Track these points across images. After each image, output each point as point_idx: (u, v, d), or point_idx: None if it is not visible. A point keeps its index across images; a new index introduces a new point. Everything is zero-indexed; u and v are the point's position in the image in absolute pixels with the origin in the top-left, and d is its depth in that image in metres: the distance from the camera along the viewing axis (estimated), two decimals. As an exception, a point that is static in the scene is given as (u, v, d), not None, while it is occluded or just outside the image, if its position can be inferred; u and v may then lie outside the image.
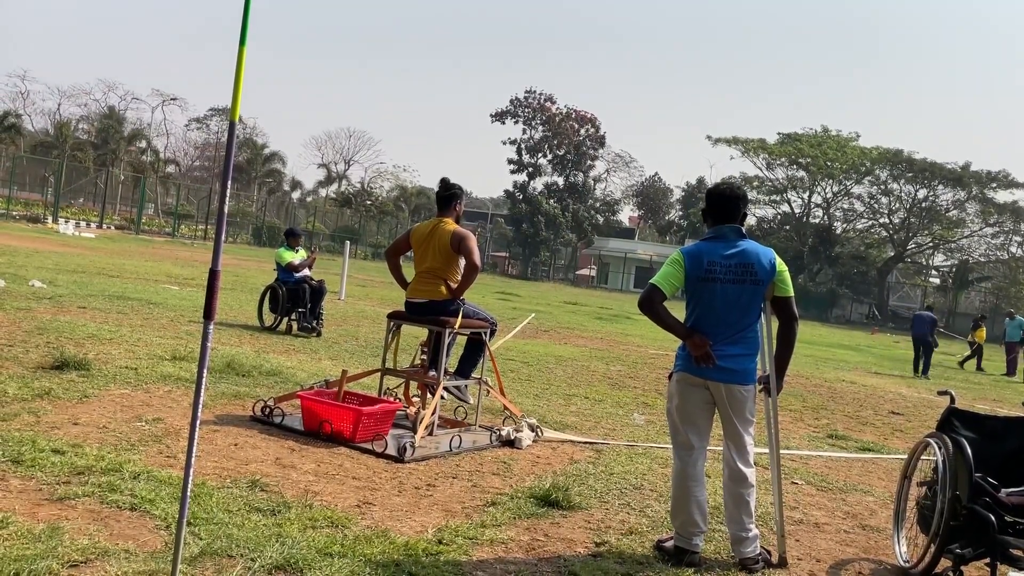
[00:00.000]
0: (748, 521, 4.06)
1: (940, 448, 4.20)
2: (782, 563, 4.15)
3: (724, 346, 4.05)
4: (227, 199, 2.92)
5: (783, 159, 59.61)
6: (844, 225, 62.15)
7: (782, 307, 4.17)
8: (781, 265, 4.15)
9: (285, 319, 11.14)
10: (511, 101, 62.00)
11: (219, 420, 5.66)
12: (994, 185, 55.32)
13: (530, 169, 62.11)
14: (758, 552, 4.09)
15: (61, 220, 38.09)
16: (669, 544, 4.12)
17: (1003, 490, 4.06)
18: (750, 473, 4.09)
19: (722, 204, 4.17)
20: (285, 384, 7.09)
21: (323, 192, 73.14)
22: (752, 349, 4.13)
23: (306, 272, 11.48)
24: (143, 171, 53.67)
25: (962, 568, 3.92)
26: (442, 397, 6.06)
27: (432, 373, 6.17)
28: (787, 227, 61.55)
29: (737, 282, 4.05)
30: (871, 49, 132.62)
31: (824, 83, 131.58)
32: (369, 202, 66.25)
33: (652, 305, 4.04)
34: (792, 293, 4.18)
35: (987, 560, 3.86)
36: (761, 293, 4.11)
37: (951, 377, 18.50)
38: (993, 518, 3.81)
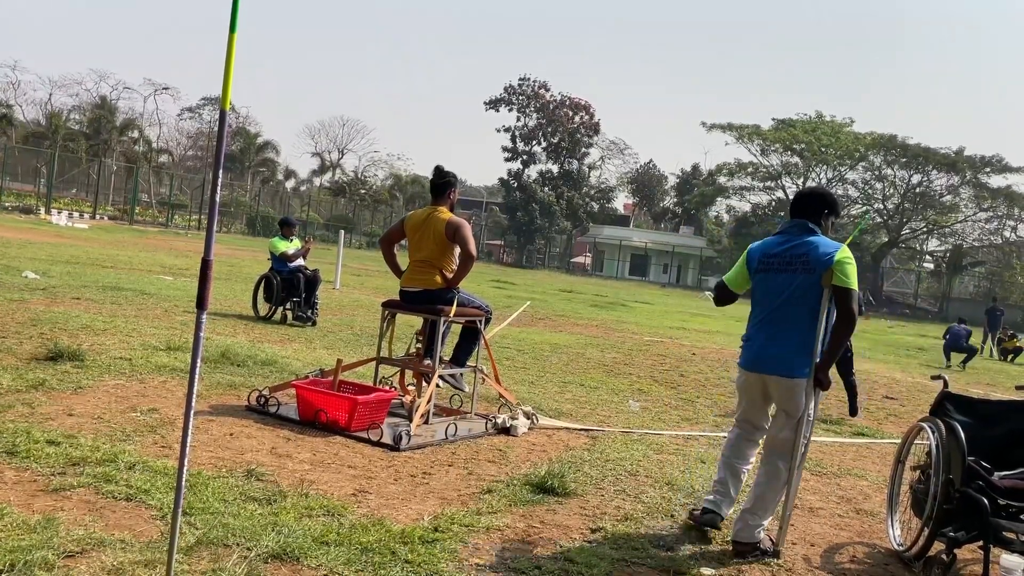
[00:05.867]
0: (759, 508, 4.09)
1: (934, 432, 4.22)
2: (775, 555, 4.16)
3: (773, 336, 4.07)
4: (219, 188, 2.90)
5: (777, 145, 59.44)
6: (839, 211, 62.11)
7: (838, 299, 3.98)
8: (842, 255, 3.95)
9: (280, 309, 11.13)
10: (505, 88, 61.82)
11: (214, 410, 5.65)
12: (988, 170, 55.25)
13: (524, 157, 61.93)
14: (756, 539, 4.11)
15: (54, 211, 37.91)
16: (699, 511, 4.30)
17: (996, 473, 4.09)
18: (782, 466, 4.11)
19: (798, 200, 4.32)
20: (280, 374, 7.09)
21: (317, 181, 73.05)
22: (804, 341, 4.00)
23: (300, 261, 11.47)
24: (136, 161, 53.42)
25: (955, 551, 3.95)
26: (437, 385, 6.07)
27: (427, 362, 6.17)
28: (781, 213, 61.53)
29: (787, 270, 4.05)
30: (865, 34, 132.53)
31: (818, 69, 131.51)
32: (363, 191, 66.06)
33: (722, 299, 4.49)
34: (851, 286, 3.93)
35: (980, 543, 3.88)
36: (813, 283, 3.98)
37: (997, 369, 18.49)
38: (986, 501, 3.83)
